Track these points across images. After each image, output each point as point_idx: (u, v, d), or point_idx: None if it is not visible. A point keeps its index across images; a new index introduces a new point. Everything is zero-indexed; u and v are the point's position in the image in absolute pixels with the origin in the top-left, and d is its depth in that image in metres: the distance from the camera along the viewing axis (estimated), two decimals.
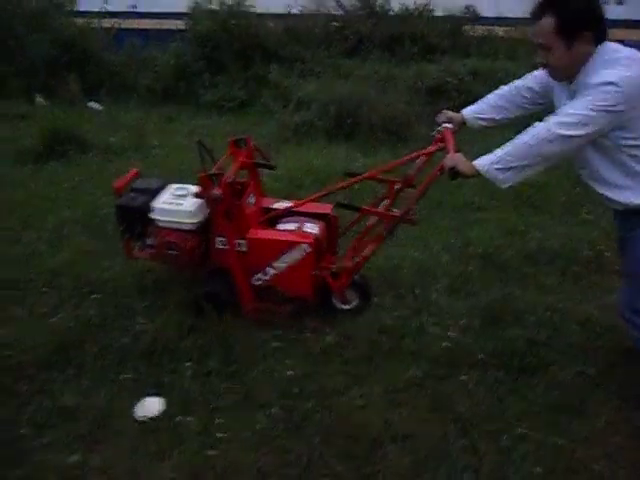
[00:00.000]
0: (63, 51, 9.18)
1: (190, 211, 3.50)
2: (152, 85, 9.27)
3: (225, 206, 3.36)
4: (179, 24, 9.82)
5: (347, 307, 3.73)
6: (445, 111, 3.28)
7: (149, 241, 3.69)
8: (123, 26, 10.33)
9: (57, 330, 3.39)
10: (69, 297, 3.76)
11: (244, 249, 3.53)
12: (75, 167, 6.32)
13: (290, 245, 3.43)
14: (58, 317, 3.56)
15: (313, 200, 3.57)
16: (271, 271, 3.52)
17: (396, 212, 3.35)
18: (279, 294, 3.61)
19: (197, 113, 8.53)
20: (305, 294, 3.57)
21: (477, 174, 2.55)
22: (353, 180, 3.48)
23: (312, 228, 3.61)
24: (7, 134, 7.18)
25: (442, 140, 3.02)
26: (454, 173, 2.65)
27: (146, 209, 3.57)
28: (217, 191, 3.29)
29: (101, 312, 3.61)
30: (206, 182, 3.32)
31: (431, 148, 3.21)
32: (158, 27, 10.65)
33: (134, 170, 3.96)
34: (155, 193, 3.66)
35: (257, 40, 9.29)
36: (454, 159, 2.68)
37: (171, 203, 3.56)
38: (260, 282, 3.57)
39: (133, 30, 10.53)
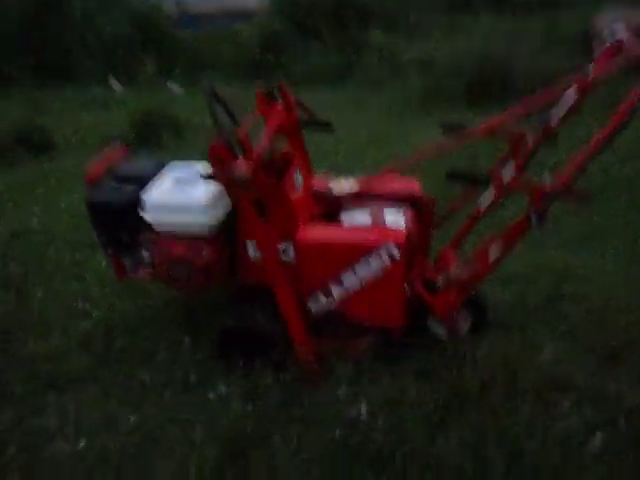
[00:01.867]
0: (136, 30, 8.18)
1: (203, 205, 2.18)
2: (236, 59, 8.06)
3: (257, 193, 2.04)
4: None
5: (453, 337, 2.41)
6: None
7: (145, 255, 2.38)
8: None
9: None
10: None
11: (292, 259, 2.23)
12: (173, 154, 4.96)
13: (366, 249, 2.11)
14: None
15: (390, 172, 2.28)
16: (337, 290, 2.22)
17: (548, 186, 1.95)
18: (351, 325, 2.31)
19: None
20: (392, 322, 2.27)
21: None
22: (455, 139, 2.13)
23: (397, 219, 2.28)
24: (90, 121, 6.01)
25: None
26: None
27: (134, 206, 2.26)
28: (242, 168, 1.95)
29: None
30: (223, 154, 1.98)
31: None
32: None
33: (121, 146, 2.63)
34: (147, 180, 2.35)
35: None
36: None
37: (173, 194, 2.24)
38: (320, 307, 2.28)
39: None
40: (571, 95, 1.97)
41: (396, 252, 2.09)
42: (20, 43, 7.46)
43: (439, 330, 2.44)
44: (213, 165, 2.01)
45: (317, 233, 2.23)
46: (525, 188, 2.01)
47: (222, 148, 1.97)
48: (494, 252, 2.11)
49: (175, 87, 7.54)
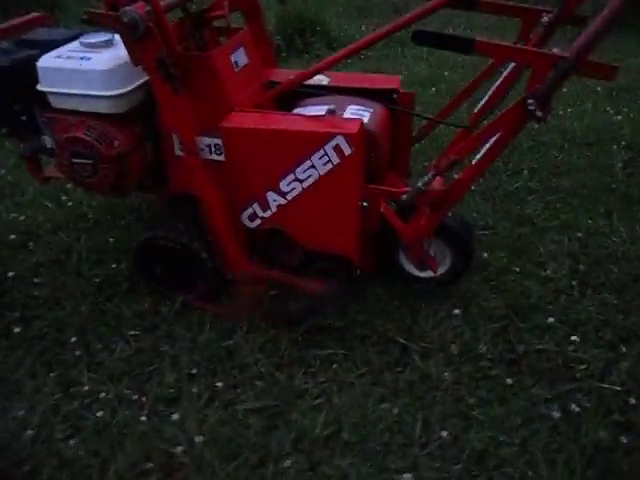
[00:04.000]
0: None
1: (104, 70, 1.67)
2: None
3: (159, 49, 1.51)
4: None
5: (429, 275, 1.91)
6: None
7: (45, 141, 1.90)
8: None
9: None
10: None
11: (219, 156, 1.72)
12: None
13: (309, 141, 1.59)
14: None
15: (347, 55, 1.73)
16: (276, 200, 1.71)
17: (560, 51, 1.35)
18: (294, 248, 1.82)
19: None
20: (345, 247, 1.76)
21: None
22: (438, 2, 1.61)
23: (360, 113, 1.74)
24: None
25: None
26: None
27: (28, 73, 1.76)
28: (134, 11, 1.43)
29: None
30: None
31: None
32: None
33: (39, 14, 2.11)
34: (53, 46, 1.83)
35: None
36: None
37: (70, 58, 1.72)
38: (256, 223, 1.78)
39: None
40: None
41: (346, 146, 1.55)
42: None
43: (412, 268, 1.94)
44: (105, 5, 1.50)
45: (248, 119, 1.70)
46: (526, 53, 1.43)
47: None
48: (481, 156, 1.54)
49: None
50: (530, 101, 1.35)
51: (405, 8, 4.76)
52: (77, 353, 1.78)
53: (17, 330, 1.86)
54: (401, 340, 1.78)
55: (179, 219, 1.90)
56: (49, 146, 1.91)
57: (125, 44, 1.53)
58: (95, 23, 1.63)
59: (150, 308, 1.92)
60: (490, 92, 1.89)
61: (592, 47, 1.29)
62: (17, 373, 1.73)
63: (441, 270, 1.91)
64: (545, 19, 1.67)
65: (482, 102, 1.91)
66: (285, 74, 1.99)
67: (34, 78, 1.76)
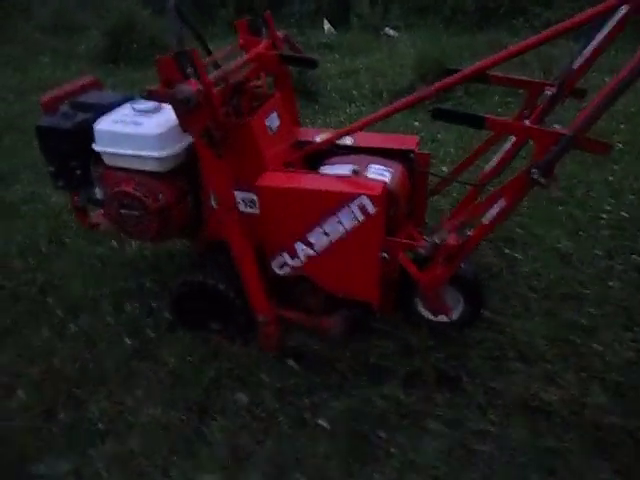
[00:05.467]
0: None
1: (156, 135, 1.88)
2: (461, 4, 7.03)
3: (207, 119, 1.71)
4: None
5: (443, 319, 2.05)
6: None
7: (96, 193, 2.11)
8: None
9: None
10: None
11: (253, 209, 1.90)
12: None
13: (337, 200, 1.76)
14: None
15: (369, 124, 1.89)
16: (303, 250, 1.87)
17: (560, 128, 1.54)
18: (319, 294, 1.97)
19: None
20: (366, 294, 1.91)
21: None
22: (452, 79, 1.73)
23: (381, 173, 1.92)
24: (340, 66, 5.57)
25: None
26: None
27: (85, 135, 1.98)
28: (188, 88, 1.63)
29: None
30: (171, 69, 1.65)
31: None
32: None
33: (91, 77, 2.35)
34: (106, 109, 2.06)
35: None
36: None
37: (124, 122, 1.94)
38: (285, 270, 1.94)
39: None
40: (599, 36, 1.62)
41: (370, 206, 1.73)
42: None
43: (426, 311, 2.08)
44: (160, 82, 1.70)
45: (281, 178, 1.89)
46: (531, 131, 1.61)
47: (170, 63, 1.65)
48: (490, 215, 1.72)
49: (391, 32, 6.96)
50: (534, 171, 1.53)
51: None
52: None
53: None
54: None
55: (216, 266, 2.06)
56: (99, 197, 2.11)
57: (176, 115, 1.73)
58: (154, 99, 1.79)
59: None
60: (499, 154, 2.07)
61: (591, 125, 1.47)
62: None
63: (454, 315, 2.05)
64: (548, 93, 1.86)
65: (491, 163, 2.09)
66: (310, 132, 2.20)
67: (90, 138, 1.97)
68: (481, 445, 1.71)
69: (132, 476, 1.68)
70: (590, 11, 1.54)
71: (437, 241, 1.77)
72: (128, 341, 2.11)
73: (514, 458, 1.67)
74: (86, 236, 2.73)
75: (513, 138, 2.00)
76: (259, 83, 2.12)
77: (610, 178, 3.00)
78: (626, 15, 1.53)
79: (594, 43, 1.66)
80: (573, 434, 1.72)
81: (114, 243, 2.68)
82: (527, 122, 1.72)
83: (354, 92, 4.69)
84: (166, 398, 1.90)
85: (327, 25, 7.14)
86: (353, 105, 4.45)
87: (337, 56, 5.98)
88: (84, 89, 2.25)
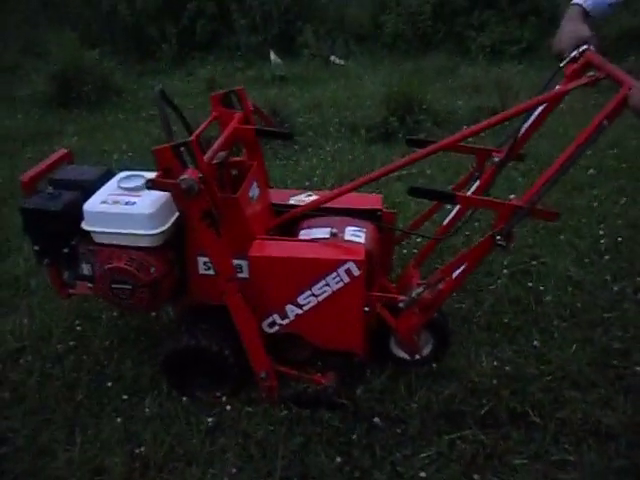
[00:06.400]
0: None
1: (148, 214, 1.96)
2: (400, 31, 7.35)
3: (208, 204, 1.83)
4: None
5: (415, 358, 2.30)
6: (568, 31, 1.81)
7: (84, 269, 2.13)
8: None
9: None
10: None
11: (246, 275, 2.05)
12: None
13: (327, 267, 1.96)
14: None
15: (349, 191, 2.11)
16: (293, 311, 2.06)
17: (516, 200, 1.81)
18: (308, 348, 2.19)
19: (473, 62, 6.71)
20: (353, 345, 2.14)
21: None
22: (420, 154, 1.98)
23: (357, 235, 2.13)
24: (301, 100, 5.64)
25: (583, 68, 1.79)
26: None
27: (73, 214, 2.04)
28: (191, 178, 1.76)
29: None
30: (169, 159, 1.78)
31: (570, 84, 1.78)
32: None
33: (62, 150, 2.38)
34: (89, 187, 2.12)
35: None
36: None
37: (116, 202, 2.01)
38: (275, 329, 2.12)
39: None
40: (538, 109, 1.92)
41: (355, 269, 1.93)
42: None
43: (401, 353, 2.30)
44: (159, 173, 1.81)
45: (273, 247, 2.06)
46: (491, 204, 1.87)
47: (170, 154, 1.76)
48: (461, 271, 1.97)
49: (338, 60, 7.19)
50: (498, 237, 1.79)
51: None
52: None
53: None
54: None
55: (205, 328, 2.14)
56: (86, 273, 2.12)
57: (177, 202, 1.87)
58: (157, 189, 1.87)
59: None
60: (454, 210, 2.26)
61: (542, 197, 1.73)
62: None
63: (425, 352, 2.29)
64: (496, 159, 2.08)
65: (449, 217, 2.28)
66: (282, 194, 2.40)
67: (78, 218, 2.02)
68: (564, 474, 1.91)
69: None
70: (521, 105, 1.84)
71: (415, 296, 2.02)
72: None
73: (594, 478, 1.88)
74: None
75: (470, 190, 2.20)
76: (243, 160, 2.28)
77: (595, 204, 3.36)
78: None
79: (537, 112, 1.93)
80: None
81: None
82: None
83: (330, 128, 4.85)
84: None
85: (273, 56, 7.26)
86: (330, 142, 4.62)
87: (294, 89, 6.13)
88: (58, 164, 2.30)
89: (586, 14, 1.80)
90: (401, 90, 4.72)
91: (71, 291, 2.32)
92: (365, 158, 4.23)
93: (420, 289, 2.00)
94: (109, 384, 2.29)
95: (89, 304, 2.73)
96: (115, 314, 2.67)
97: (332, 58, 7.25)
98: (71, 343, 2.51)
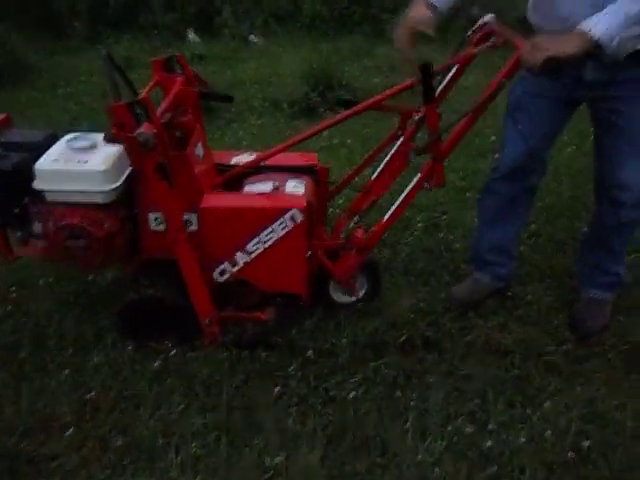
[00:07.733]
0: None
1: (102, 171, 2.07)
2: (317, 12, 7.37)
3: (160, 157, 1.99)
4: None
5: (351, 299, 2.56)
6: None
7: (35, 228, 2.22)
8: None
9: None
10: None
11: (196, 227, 2.22)
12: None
13: (274, 214, 2.17)
14: None
15: (286, 148, 2.29)
16: (242, 258, 2.24)
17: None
18: (255, 292, 2.38)
19: (388, 43, 6.57)
20: (297, 288, 2.34)
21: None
22: (347, 114, 2.20)
23: (297, 187, 2.34)
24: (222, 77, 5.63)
25: (487, 35, 2.11)
26: (549, 62, 1.77)
27: (24, 174, 2.11)
28: (146, 130, 1.90)
29: None
30: (124, 115, 1.90)
31: (475, 49, 2.10)
32: None
33: (1, 114, 2.40)
34: (39, 148, 2.19)
35: None
36: (543, 44, 1.82)
37: (68, 160, 2.10)
38: (226, 277, 2.29)
39: None
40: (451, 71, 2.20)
41: (299, 215, 2.16)
42: None
43: (339, 296, 2.56)
44: (116, 128, 1.93)
45: (223, 199, 2.25)
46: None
47: (125, 111, 1.89)
48: (390, 215, 2.28)
49: (255, 39, 7.19)
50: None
51: None
52: None
53: None
54: None
55: (162, 280, 2.29)
56: (38, 232, 2.20)
57: (131, 155, 1.97)
58: (115, 141, 2.00)
59: None
60: (383, 163, 2.47)
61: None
62: None
63: (360, 293, 2.55)
64: (416, 117, 2.29)
65: (377, 171, 2.50)
66: (224, 156, 2.52)
67: (28, 178, 2.09)
68: (470, 385, 2.24)
69: None
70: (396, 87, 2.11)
71: (350, 229, 2.36)
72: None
73: (494, 387, 2.22)
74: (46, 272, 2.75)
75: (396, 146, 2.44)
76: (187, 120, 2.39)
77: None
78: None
79: (450, 74, 2.20)
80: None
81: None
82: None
83: (254, 104, 4.99)
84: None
85: (191, 34, 7.24)
86: (255, 117, 4.77)
87: (214, 68, 6.17)
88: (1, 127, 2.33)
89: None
90: (320, 67, 4.94)
91: (18, 253, 2.34)
92: (289, 131, 4.42)
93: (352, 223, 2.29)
94: (52, 342, 2.36)
95: (24, 272, 2.76)
96: (51, 280, 2.73)
97: (251, 37, 7.34)
98: (8, 308, 2.55)
